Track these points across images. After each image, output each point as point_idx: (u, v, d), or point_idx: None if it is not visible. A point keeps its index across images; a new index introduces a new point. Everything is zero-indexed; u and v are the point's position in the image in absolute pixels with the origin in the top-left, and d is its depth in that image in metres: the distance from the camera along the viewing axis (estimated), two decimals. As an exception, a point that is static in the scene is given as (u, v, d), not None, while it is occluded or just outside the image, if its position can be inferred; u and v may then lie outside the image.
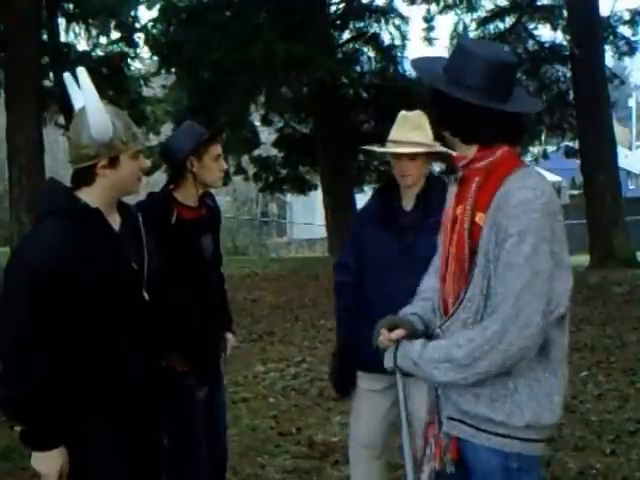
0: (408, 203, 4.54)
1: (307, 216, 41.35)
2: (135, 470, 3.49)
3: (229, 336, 4.94)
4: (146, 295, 3.49)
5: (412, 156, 4.40)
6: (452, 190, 3.17)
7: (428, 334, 3.21)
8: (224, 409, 4.97)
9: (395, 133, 4.50)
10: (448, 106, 2.99)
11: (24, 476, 5.66)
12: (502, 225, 2.81)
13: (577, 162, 19.24)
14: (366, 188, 24.16)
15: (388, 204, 4.59)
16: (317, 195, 25.07)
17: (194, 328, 4.39)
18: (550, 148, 28.02)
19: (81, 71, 3.38)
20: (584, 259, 18.58)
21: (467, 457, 3.04)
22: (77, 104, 3.47)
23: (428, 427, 3.22)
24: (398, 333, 3.19)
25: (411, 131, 4.45)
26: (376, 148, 4.72)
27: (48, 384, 3.20)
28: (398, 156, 4.44)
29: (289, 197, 35.56)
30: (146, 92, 22.24)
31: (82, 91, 3.37)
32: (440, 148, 4.49)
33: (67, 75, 3.52)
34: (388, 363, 3.21)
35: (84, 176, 3.37)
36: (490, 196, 2.88)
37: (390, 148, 4.51)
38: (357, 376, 4.68)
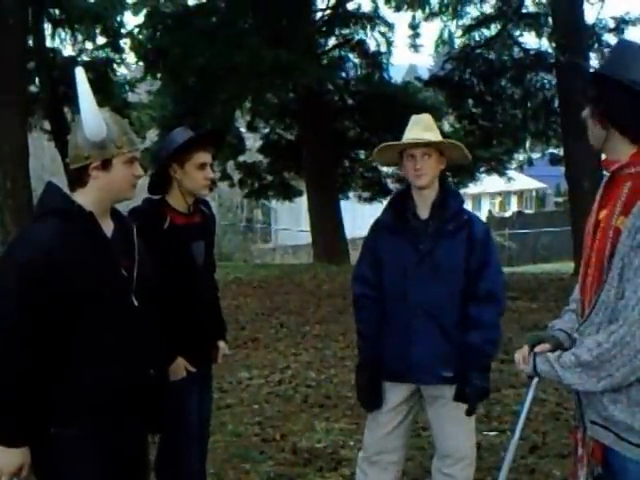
0: (424, 211, 4.55)
1: (292, 222, 41.34)
2: (117, 476, 3.49)
3: (221, 344, 4.93)
4: (135, 301, 3.49)
5: (425, 153, 4.44)
6: (598, 193, 3.15)
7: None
8: (210, 414, 4.97)
9: (409, 133, 4.54)
10: (629, 101, 2.96)
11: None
12: (639, 231, 2.80)
13: (562, 169, 19.28)
14: (351, 194, 24.24)
15: (403, 213, 4.59)
16: (302, 201, 25.08)
17: (185, 334, 4.40)
18: (535, 155, 28.11)
19: (79, 71, 3.42)
20: (569, 266, 18.64)
21: (614, 465, 2.98)
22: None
23: (575, 431, 3.21)
24: (542, 347, 3.18)
25: (424, 131, 4.51)
26: (393, 143, 4.68)
27: (26, 381, 3.20)
28: (411, 154, 4.47)
29: (274, 203, 35.53)
30: (131, 98, 22.22)
31: (78, 91, 3.40)
32: (457, 143, 4.58)
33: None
34: (528, 369, 3.18)
35: (78, 177, 3.43)
36: (635, 201, 2.86)
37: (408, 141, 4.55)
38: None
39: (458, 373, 4.42)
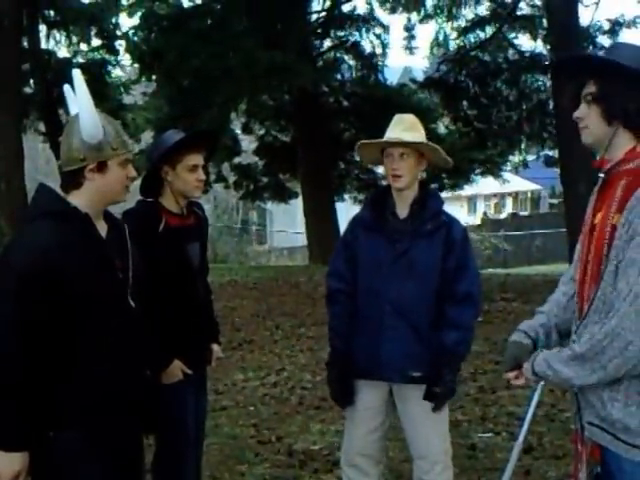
0: (402, 210, 4.54)
1: (287, 224, 41.33)
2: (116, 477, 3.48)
3: (215, 347, 4.91)
4: (132, 302, 3.49)
5: (403, 153, 4.42)
6: (592, 198, 3.14)
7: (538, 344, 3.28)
8: (205, 416, 4.96)
9: (390, 132, 4.52)
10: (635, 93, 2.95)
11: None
12: (633, 223, 2.81)
13: (557, 171, 19.27)
14: (346, 196, 24.22)
15: (382, 211, 4.58)
16: (298, 203, 25.06)
17: (181, 336, 4.39)
18: (530, 157, 28.10)
19: (77, 73, 3.41)
20: (564, 268, 18.62)
21: (610, 465, 2.98)
22: (73, 111, 3.50)
23: (575, 434, 3.20)
24: (526, 368, 3.20)
25: (404, 131, 4.48)
26: (369, 141, 4.67)
27: (25, 382, 3.19)
28: (389, 153, 4.46)
29: (269, 205, 35.50)
30: (127, 100, 22.22)
31: (76, 93, 3.39)
32: (431, 145, 4.53)
33: (67, 87, 3.54)
34: (528, 373, 3.17)
35: (73, 179, 3.41)
36: (629, 197, 2.86)
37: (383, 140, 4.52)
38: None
39: (430, 372, 4.41)
